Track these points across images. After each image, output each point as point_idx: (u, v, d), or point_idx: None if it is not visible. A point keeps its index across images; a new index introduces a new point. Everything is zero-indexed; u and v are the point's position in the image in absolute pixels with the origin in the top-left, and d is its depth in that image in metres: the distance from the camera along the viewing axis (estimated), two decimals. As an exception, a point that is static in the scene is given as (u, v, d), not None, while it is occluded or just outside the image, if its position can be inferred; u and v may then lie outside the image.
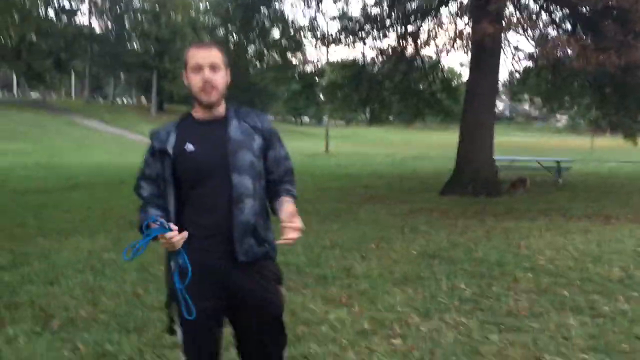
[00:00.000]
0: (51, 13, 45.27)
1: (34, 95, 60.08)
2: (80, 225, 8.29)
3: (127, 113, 53.79)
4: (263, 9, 15.15)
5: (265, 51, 16.20)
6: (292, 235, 2.15)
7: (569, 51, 10.13)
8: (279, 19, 15.48)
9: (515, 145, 39.21)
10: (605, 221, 8.84)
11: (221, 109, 2.30)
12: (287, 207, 2.27)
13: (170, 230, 2.10)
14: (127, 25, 56.38)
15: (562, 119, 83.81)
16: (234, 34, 16.11)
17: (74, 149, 29.01)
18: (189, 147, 2.21)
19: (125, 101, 78.98)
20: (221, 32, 16.42)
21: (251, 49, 16.36)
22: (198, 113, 2.30)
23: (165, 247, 2.15)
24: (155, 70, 53.97)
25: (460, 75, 37.45)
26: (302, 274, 5.60)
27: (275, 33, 16.92)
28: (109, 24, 57.04)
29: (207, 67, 2.20)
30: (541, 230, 7.90)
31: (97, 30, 56.84)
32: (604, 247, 6.76)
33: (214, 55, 2.23)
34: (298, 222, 2.18)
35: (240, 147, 2.21)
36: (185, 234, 2.12)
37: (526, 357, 3.60)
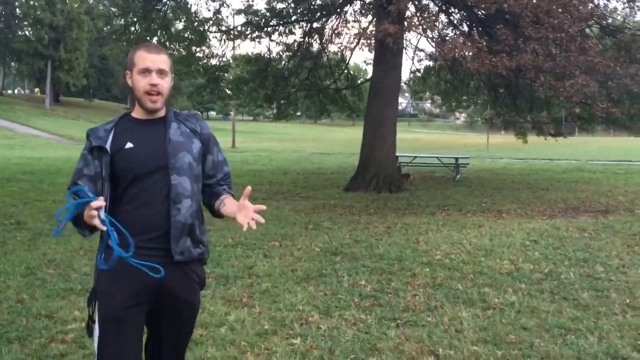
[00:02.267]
0: None
1: None
2: (-40, 226, 7.65)
3: (18, 105, 50.43)
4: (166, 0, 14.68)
5: (168, 44, 15.67)
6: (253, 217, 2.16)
7: (466, 52, 10.56)
8: (183, 10, 15.04)
9: (418, 142, 40.61)
10: (498, 216, 9.31)
11: (162, 111, 2.31)
12: (233, 201, 2.30)
13: (95, 199, 2.02)
14: (17, 11, 52.83)
15: (461, 117, 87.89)
16: (135, 25, 15.40)
17: (-42, 143, 26.88)
18: (128, 144, 2.22)
19: (17, 92, 74.16)
20: (121, 21, 15.61)
21: (153, 40, 15.76)
22: (138, 113, 2.30)
23: (89, 219, 2.03)
24: (50, 60, 51.02)
25: (365, 72, 38.27)
26: (203, 274, 5.45)
27: (179, 25, 16.46)
28: (-2, 8, 53.21)
29: (155, 72, 2.22)
30: (438, 225, 8.20)
31: (-16, 14, 52.85)
32: (496, 241, 7.10)
33: (162, 60, 2.24)
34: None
35: (180, 149, 2.24)
36: (101, 200, 2.02)
37: (421, 352, 3.69)
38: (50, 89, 52.87)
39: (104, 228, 2.01)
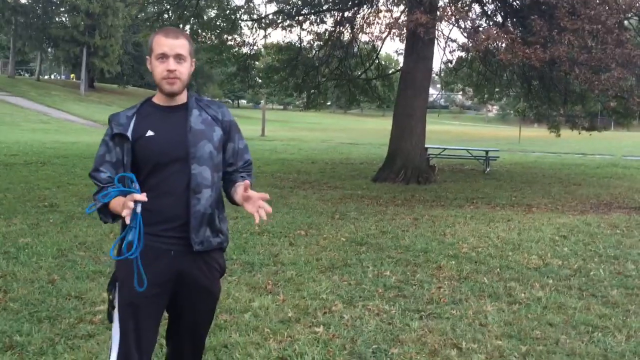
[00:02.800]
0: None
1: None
2: (-4, 207, 7.85)
3: (54, 90, 51.41)
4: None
5: (200, 31, 15.78)
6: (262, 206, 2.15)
7: (499, 43, 10.40)
8: (215, -2, 15.14)
9: (448, 134, 40.23)
10: (527, 210, 9.18)
11: (183, 96, 2.28)
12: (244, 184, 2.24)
13: (139, 191, 2.05)
14: (55, -3, 53.76)
15: (493, 109, 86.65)
16: (169, 12, 15.55)
17: (-5, 126, 27.55)
18: (149, 132, 2.20)
19: (53, 77, 75.64)
20: (154, 9, 15.78)
21: (186, 28, 15.91)
22: (159, 99, 2.28)
23: (122, 208, 2.03)
24: (85, 46, 51.82)
25: (396, 62, 37.97)
26: (229, 260, 5.51)
27: (211, 13, 16.56)
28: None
29: (173, 58, 2.17)
30: (466, 218, 8.12)
31: (23, 1, 53.86)
32: (524, 235, 7.01)
33: (180, 45, 2.19)
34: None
35: (200, 138, 2.21)
36: (143, 196, 2.02)
37: (444, 344, 3.68)
38: (85, 75, 53.75)
39: (129, 221, 2.00)
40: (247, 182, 2.19)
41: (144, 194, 2.02)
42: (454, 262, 5.64)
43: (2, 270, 4.94)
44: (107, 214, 2.16)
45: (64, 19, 54.55)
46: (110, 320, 2.28)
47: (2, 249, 5.62)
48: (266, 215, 2.13)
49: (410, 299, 4.54)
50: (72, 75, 66.14)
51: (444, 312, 4.25)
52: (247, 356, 3.42)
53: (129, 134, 2.19)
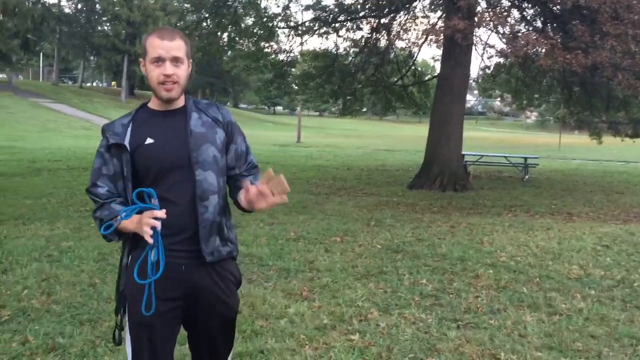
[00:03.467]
0: (19, -9, 44.09)
1: (0, 76, 58.53)
2: (40, 211, 8.08)
3: (96, 97, 52.68)
4: (236, -4, 14.95)
5: (238, 38, 15.97)
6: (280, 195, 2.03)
7: (538, 49, 10.22)
8: (253, 5, 15.29)
9: (485, 141, 39.68)
10: (568, 218, 8.98)
11: (180, 100, 2.15)
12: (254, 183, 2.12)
13: (158, 208, 1.95)
14: (97, 7, 55.14)
15: (532, 116, 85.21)
16: (207, 20, 15.79)
17: (39, 133, 28.33)
18: (148, 140, 2.06)
19: (95, 85, 77.56)
20: (193, 17, 16.05)
21: (224, 36, 16.12)
22: (155, 104, 2.15)
23: (140, 230, 1.93)
24: (126, 54, 52.98)
25: (433, 68, 37.71)
26: (265, 266, 5.55)
27: (248, 20, 16.73)
28: (79, 4, 55.70)
29: (169, 61, 2.03)
30: (504, 227, 7.99)
31: (67, 10, 55.47)
32: (565, 245, 6.85)
33: (177, 47, 2.05)
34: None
35: (202, 141, 2.09)
36: (163, 212, 1.93)
37: (482, 355, 3.62)
38: (126, 82, 54.92)
39: (151, 241, 1.91)
40: (247, 182, 2.10)
41: (164, 210, 1.92)
42: (491, 271, 5.56)
43: (45, 273, 5.07)
44: (114, 233, 2.04)
45: (106, 27, 55.88)
46: (117, 342, 2.15)
47: (46, 252, 5.78)
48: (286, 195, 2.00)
49: (447, 308, 4.49)
50: (113, 83, 67.64)
51: (482, 322, 4.18)
52: (283, 362, 3.43)
53: (126, 143, 2.05)
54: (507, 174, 16.82)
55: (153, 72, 2.04)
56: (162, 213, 1.91)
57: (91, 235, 6.65)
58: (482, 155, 16.79)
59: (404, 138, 42.44)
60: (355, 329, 4.00)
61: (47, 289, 4.64)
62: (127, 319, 2.12)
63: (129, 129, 2.09)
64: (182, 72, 2.07)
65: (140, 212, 1.97)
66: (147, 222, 1.90)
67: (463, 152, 13.57)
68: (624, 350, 3.73)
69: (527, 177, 15.31)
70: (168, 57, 2.02)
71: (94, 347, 3.57)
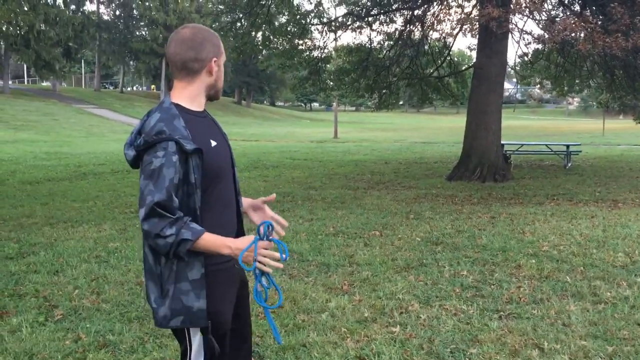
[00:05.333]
0: (59, 0, 45.30)
1: (45, 84, 60.36)
2: (87, 214, 8.35)
3: (136, 101, 53.84)
4: (269, -5, 15.06)
5: (272, 37, 16.09)
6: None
7: (577, 34, 10.00)
8: (286, 3, 15.37)
9: (526, 129, 38.94)
10: (613, 206, 8.78)
11: None
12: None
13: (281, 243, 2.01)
14: (135, 12, 56.31)
15: (574, 102, 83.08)
16: (241, 20, 15.96)
17: (84, 138, 29.14)
18: (213, 142, 2.01)
19: (135, 89, 79.19)
20: (228, 18, 16.25)
21: (258, 35, 16.26)
22: (194, 105, 2.04)
23: (272, 263, 1.93)
24: (164, 58, 53.90)
25: (470, 58, 37.16)
26: (305, 262, 5.62)
27: (282, 19, 16.83)
28: (117, 11, 57.02)
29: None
30: (546, 216, 7.87)
31: (105, 17, 56.83)
32: (609, 232, 6.72)
33: None
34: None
35: (228, 141, 2.21)
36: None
37: (525, 344, 3.60)
38: (164, 85, 55.94)
39: (270, 270, 1.94)
40: (274, 197, 2.24)
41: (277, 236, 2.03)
42: (534, 261, 5.49)
43: (94, 273, 5.26)
44: (186, 252, 1.88)
45: (143, 32, 57.02)
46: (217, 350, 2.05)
47: (94, 253, 5.98)
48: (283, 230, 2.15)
49: (489, 299, 4.47)
50: (152, 86, 68.95)
51: (524, 312, 4.15)
52: (325, 355, 3.49)
53: (200, 147, 1.95)
54: (549, 162, 16.49)
55: (222, 74, 2.08)
56: (270, 244, 1.96)
57: (136, 235, 6.84)
58: (522, 144, 16.52)
59: (442, 130, 42.01)
60: (396, 321, 4.02)
61: (96, 288, 4.82)
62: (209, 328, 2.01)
63: (188, 131, 1.95)
64: None
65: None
66: (273, 255, 1.92)
67: (502, 142, 13.38)
68: (672, 337, 3.65)
69: (569, 164, 14.98)
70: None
71: (143, 343, 3.69)
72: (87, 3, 50.73)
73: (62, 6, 45.06)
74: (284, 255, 1.95)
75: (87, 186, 11.63)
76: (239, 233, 2.15)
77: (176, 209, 1.87)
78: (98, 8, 55.25)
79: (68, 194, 10.33)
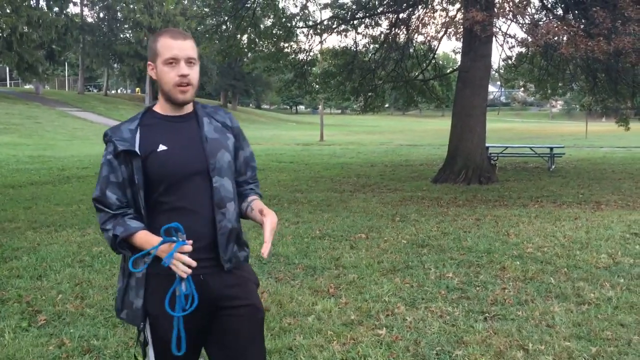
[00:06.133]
0: (42, 3, 44.90)
1: (28, 87, 59.73)
2: (71, 218, 8.27)
3: (121, 104, 53.47)
4: (254, -2, 15.05)
5: (258, 40, 16.07)
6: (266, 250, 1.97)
7: (560, 37, 10.10)
8: (271, 6, 15.37)
9: (510, 132, 39.25)
10: (596, 207, 8.87)
11: (189, 105, 2.08)
12: (269, 217, 2.04)
13: (186, 242, 1.87)
14: (119, 15, 55.96)
15: (557, 105, 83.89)
16: (227, 23, 15.93)
17: (67, 141, 28.86)
18: (161, 147, 1.97)
19: (119, 92, 78.68)
20: (213, 21, 16.21)
21: (244, 38, 16.23)
22: (163, 109, 2.05)
23: (181, 267, 1.85)
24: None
25: (454, 61, 37.39)
26: (291, 265, 5.62)
27: (267, 22, 16.82)
28: (101, 13, 56.60)
29: (184, 61, 1.96)
30: (531, 218, 7.93)
31: (89, 20, 56.38)
32: (593, 234, 6.79)
33: (190, 46, 1.98)
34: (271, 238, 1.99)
35: (218, 147, 2.04)
36: (190, 246, 1.87)
37: (510, 346, 3.62)
38: (149, 88, 55.65)
39: (185, 275, 1.85)
40: (274, 219, 2.02)
41: (191, 241, 1.86)
42: (518, 263, 5.54)
43: (78, 278, 5.21)
44: (125, 247, 1.94)
45: (128, 35, 56.67)
46: (144, 356, 2.03)
47: (78, 258, 5.92)
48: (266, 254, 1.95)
49: (474, 301, 4.50)
50: (137, 89, 68.54)
51: (509, 314, 4.18)
52: (311, 358, 3.48)
53: (136, 149, 1.95)
54: (533, 164, 16.65)
55: (168, 74, 1.97)
56: (189, 247, 1.86)
57: (121, 239, 6.78)
58: (507, 147, 16.65)
59: (427, 132, 42.22)
60: (382, 323, 4.03)
61: (80, 293, 4.77)
62: (149, 334, 2.01)
63: (138, 134, 1.99)
64: (195, 73, 2.01)
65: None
66: (181, 259, 1.84)
67: (487, 144, 13.48)
68: (655, 337, 3.70)
69: (553, 167, 15.13)
70: (183, 56, 1.96)
71: (127, 349, 3.66)
72: (71, 5, 50.01)
73: (45, 8, 44.64)
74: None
75: (71, 190, 11.53)
76: (212, 243, 2.00)
77: (114, 204, 1.95)
78: (82, 10, 54.78)
79: (51, 198, 10.23)
